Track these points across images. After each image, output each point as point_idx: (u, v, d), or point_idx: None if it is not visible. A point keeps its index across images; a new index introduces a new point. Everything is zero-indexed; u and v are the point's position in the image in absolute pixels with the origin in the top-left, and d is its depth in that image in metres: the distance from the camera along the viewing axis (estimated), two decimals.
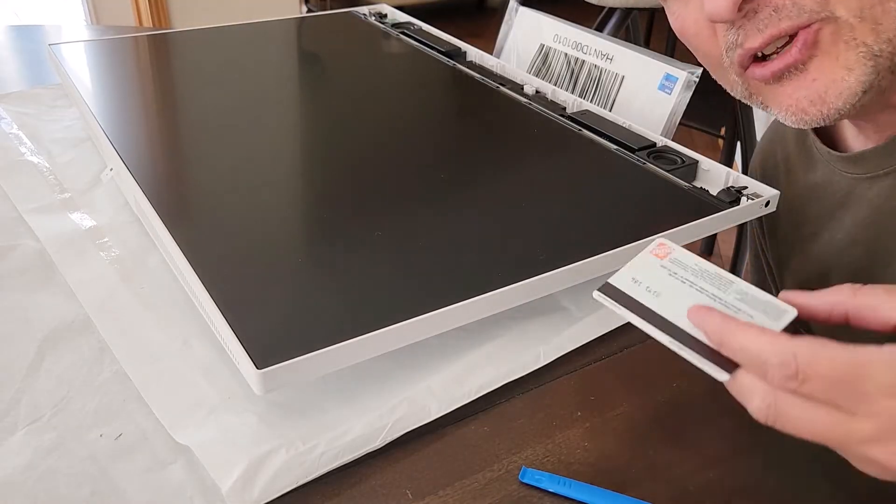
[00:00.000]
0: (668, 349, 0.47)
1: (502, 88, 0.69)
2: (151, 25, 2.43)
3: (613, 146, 0.60)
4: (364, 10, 0.89)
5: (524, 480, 0.39)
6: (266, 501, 0.37)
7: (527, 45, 0.76)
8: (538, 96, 0.69)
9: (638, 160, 0.58)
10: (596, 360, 0.46)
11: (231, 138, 0.60)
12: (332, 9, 0.97)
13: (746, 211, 0.52)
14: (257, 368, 0.37)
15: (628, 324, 0.49)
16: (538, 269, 0.45)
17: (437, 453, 0.40)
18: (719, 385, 0.45)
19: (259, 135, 0.61)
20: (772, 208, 0.54)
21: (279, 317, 0.41)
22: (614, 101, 0.69)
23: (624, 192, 0.47)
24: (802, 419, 0.32)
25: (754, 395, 0.33)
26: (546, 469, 0.39)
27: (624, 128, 0.62)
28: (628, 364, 0.46)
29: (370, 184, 0.55)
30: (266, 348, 0.38)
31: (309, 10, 2.80)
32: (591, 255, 0.46)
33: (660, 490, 0.38)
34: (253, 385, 0.38)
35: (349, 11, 0.88)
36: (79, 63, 0.71)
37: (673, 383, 0.45)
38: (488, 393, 0.43)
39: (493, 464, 0.40)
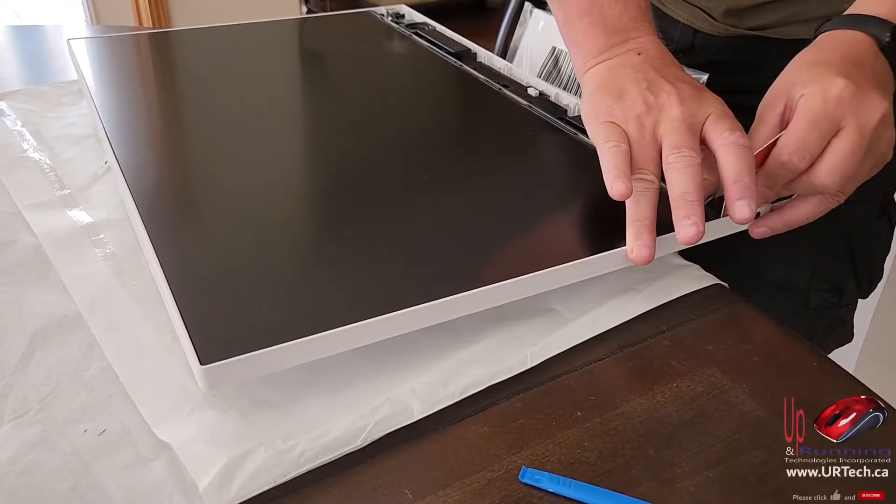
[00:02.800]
0: (668, 350, 0.47)
1: (504, 90, 0.69)
2: (151, 26, 2.43)
3: None
4: (382, 9, 0.88)
5: (524, 480, 0.38)
6: (243, 500, 0.36)
7: (539, 48, 0.76)
8: (541, 99, 0.68)
9: None
10: (596, 360, 0.46)
11: (224, 136, 0.60)
12: (332, 9, 0.97)
13: (731, 224, 0.50)
14: (200, 364, 0.37)
15: (627, 323, 0.49)
16: (510, 272, 0.44)
17: (437, 453, 0.40)
18: (719, 385, 0.45)
19: (251, 133, 0.60)
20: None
21: (235, 314, 0.41)
22: None
23: (610, 198, 0.47)
24: None
25: None
26: (546, 469, 0.39)
27: None
28: (628, 364, 0.46)
29: (353, 183, 0.55)
30: (214, 344, 0.38)
31: (309, 11, 2.80)
32: (569, 259, 0.46)
33: (660, 490, 0.38)
34: (198, 380, 0.38)
35: (367, 11, 0.88)
36: (95, 58, 0.72)
37: (673, 383, 0.44)
38: (488, 393, 0.43)
39: (493, 464, 0.39)
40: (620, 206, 0.48)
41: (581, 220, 0.52)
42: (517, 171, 0.58)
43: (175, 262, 0.44)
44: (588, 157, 0.58)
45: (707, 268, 0.54)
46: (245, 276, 0.44)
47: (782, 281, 0.67)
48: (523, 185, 0.56)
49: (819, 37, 0.50)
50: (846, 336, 0.73)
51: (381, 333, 0.41)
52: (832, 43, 0.50)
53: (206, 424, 0.39)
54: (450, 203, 0.53)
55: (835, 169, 0.46)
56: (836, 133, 0.46)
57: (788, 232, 0.64)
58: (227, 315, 0.41)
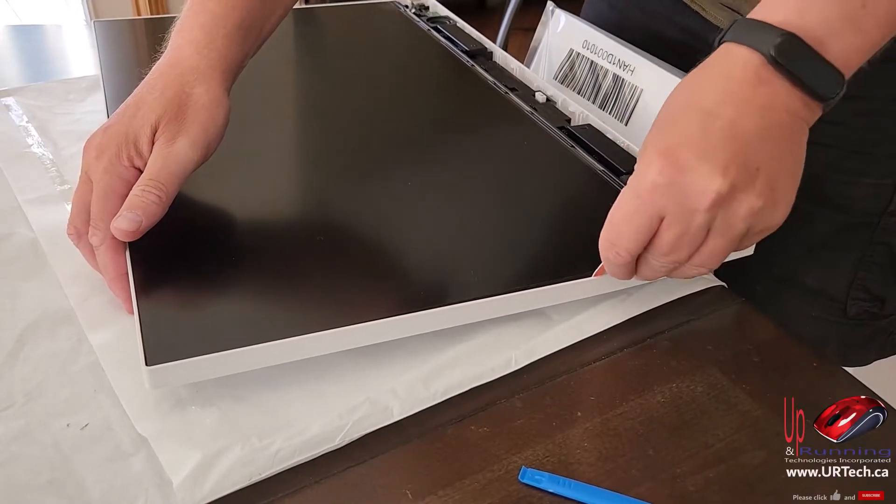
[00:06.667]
0: (668, 350, 0.47)
1: (510, 94, 0.67)
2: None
3: (600, 167, 0.57)
4: (406, 0, 0.88)
5: (524, 480, 0.38)
6: (217, 497, 0.36)
7: (558, 50, 0.75)
8: (546, 105, 0.66)
9: (619, 184, 0.55)
10: (596, 360, 0.46)
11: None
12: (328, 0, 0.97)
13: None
14: (146, 365, 0.37)
15: (626, 323, 0.49)
16: (464, 294, 0.44)
17: (437, 453, 0.40)
18: (719, 385, 0.45)
19: (242, 128, 0.60)
20: (748, 251, 0.50)
21: (191, 317, 0.42)
22: (631, 114, 0.66)
23: (595, 217, 0.45)
24: None
25: None
26: (546, 469, 0.39)
27: (621, 147, 0.59)
28: (628, 364, 0.46)
29: (333, 187, 0.55)
30: (163, 346, 0.39)
31: (306, 3, 2.79)
32: (530, 284, 0.45)
33: (660, 490, 0.38)
34: (144, 380, 0.38)
35: (390, 2, 0.88)
36: (115, 42, 0.73)
37: (673, 383, 0.44)
38: (488, 394, 0.43)
39: (493, 464, 0.39)
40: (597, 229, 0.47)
41: (565, 238, 0.51)
42: (504, 181, 0.57)
43: (145, 261, 0.44)
44: (579, 172, 0.58)
45: (741, 274, 0.52)
46: (209, 281, 0.45)
47: (819, 288, 0.66)
48: (508, 196, 0.55)
49: (715, 51, 0.42)
50: (889, 347, 0.70)
51: (330, 347, 0.42)
52: (715, 66, 0.42)
53: (186, 420, 0.39)
54: (430, 212, 0.53)
55: (661, 264, 0.42)
56: (661, 220, 0.40)
57: (826, 239, 0.63)
58: (184, 318, 0.42)
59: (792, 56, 0.39)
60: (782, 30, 0.39)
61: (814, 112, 0.41)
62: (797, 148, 0.41)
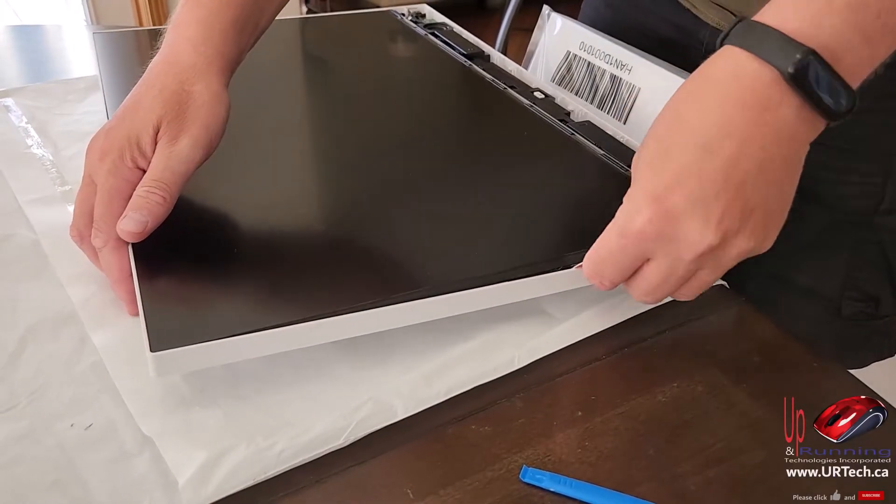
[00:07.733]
0: (668, 350, 0.47)
1: (509, 91, 0.67)
2: (152, 26, 2.43)
3: (602, 151, 0.58)
4: (403, 9, 0.88)
5: (525, 480, 0.38)
6: (221, 497, 0.36)
7: (555, 52, 0.75)
8: (545, 101, 0.67)
9: (624, 168, 0.55)
10: (596, 360, 0.46)
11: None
12: (332, 10, 0.97)
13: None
14: (151, 351, 0.37)
15: (627, 323, 0.49)
16: (467, 280, 0.44)
17: (437, 453, 0.40)
18: (720, 385, 0.45)
19: (245, 128, 0.61)
20: None
21: (196, 304, 0.42)
22: (629, 114, 0.67)
23: (600, 203, 0.45)
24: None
25: None
26: (546, 469, 0.39)
27: (621, 143, 0.59)
28: (628, 364, 0.46)
29: (337, 179, 0.55)
30: (167, 333, 0.38)
31: (309, 11, 2.79)
32: (532, 272, 0.45)
33: (660, 490, 0.38)
34: (149, 368, 0.38)
35: (387, 11, 0.88)
36: (116, 54, 0.72)
37: (673, 383, 0.44)
38: (489, 393, 0.43)
39: (493, 463, 0.39)
40: (602, 211, 0.47)
41: (571, 226, 0.51)
42: (507, 175, 0.57)
43: (147, 251, 0.44)
44: (585, 160, 0.58)
45: (735, 274, 0.52)
46: (213, 269, 0.45)
47: (813, 288, 0.66)
48: (510, 187, 0.55)
49: (718, 56, 0.39)
50: (887, 349, 0.70)
51: (336, 334, 0.41)
52: (719, 80, 0.39)
53: (190, 420, 0.39)
54: (435, 203, 0.53)
55: (646, 295, 0.42)
56: (646, 259, 0.41)
57: (818, 238, 0.63)
58: (188, 304, 0.42)
59: (812, 76, 0.36)
60: (801, 45, 0.36)
61: (818, 129, 0.39)
62: (795, 177, 0.40)
